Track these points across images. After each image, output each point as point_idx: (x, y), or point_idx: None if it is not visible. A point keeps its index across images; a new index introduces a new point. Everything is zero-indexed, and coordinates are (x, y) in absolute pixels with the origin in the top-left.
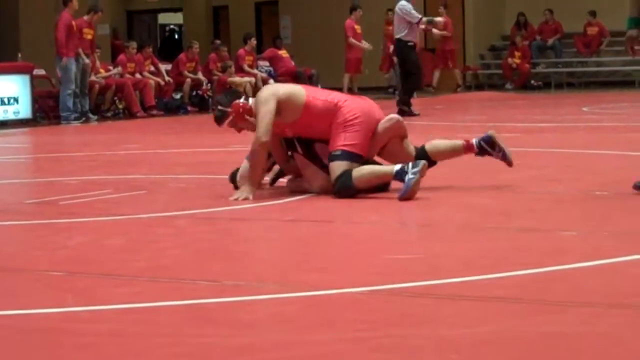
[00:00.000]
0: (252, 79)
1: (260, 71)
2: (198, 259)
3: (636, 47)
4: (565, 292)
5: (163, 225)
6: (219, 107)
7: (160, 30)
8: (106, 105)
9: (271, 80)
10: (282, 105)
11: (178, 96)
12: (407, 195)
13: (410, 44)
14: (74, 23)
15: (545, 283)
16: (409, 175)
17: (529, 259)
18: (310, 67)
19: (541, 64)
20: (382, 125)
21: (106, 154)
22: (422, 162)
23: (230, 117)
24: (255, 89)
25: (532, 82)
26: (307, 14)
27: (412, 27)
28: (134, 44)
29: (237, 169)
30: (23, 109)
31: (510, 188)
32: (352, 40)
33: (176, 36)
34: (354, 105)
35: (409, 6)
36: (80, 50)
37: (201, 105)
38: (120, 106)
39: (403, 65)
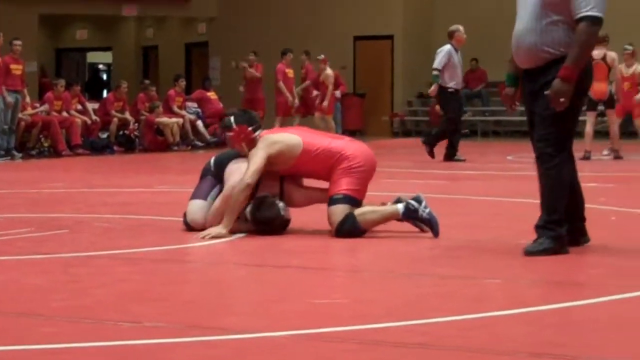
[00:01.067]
0: (180, 120)
1: (188, 112)
2: (120, 300)
3: (515, 105)
4: (486, 339)
5: (84, 265)
6: (230, 119)
7: (89, 68)
8: (32, 142)
9: (199, 121)
10: (273, 158)
11: (105, 135)
12: (438, 229)
13: (450, 89)
14: (0, 60)
15: (467, 330)
16: (426, 211)
17: (451, 305)
18: (239, 109)
19: (468, 112)
20: None
21: (30, 192)
22: (421, 195)
23: (231, 134)
24: (183, 130)
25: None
26: (237, 55)
27: (451, 72)
28: (62, 82)
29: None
30: None
31: (433, 235)
32: (280, 84)
33: (104, 75)
34: (358, 154)
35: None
36: (4, 90)
37: (128, 145)
38: (46, 144)
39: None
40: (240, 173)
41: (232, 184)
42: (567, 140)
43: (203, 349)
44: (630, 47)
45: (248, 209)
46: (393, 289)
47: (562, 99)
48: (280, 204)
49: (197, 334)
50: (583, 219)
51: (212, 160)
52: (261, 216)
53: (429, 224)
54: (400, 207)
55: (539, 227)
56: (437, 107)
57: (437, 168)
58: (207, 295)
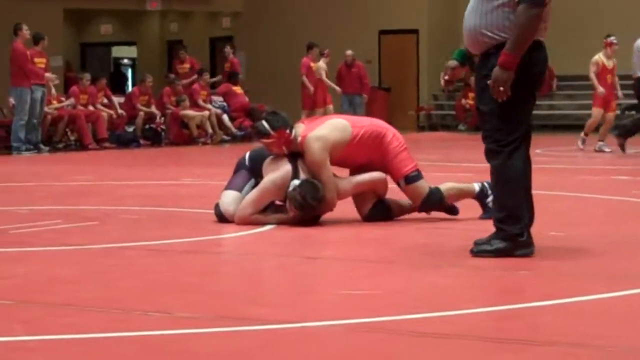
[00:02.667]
0: (206, 113)
1: (213, 106)
2: (149, 291)
3: (449, 82)
4: (523, 330)
5: (113, 256)
6: (265, 125)
7: (113, 63)
8: (58, 136)
9: (224, 115)
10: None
11: (131, 129)
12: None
13: None
14: (28, 53)
15: (502, 321)
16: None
17: (486, 296)
18: (264, 103)
19: None
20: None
21: (57, 185)
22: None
23: (271, 140)
24: (210, 124)
25: None
26: (262, 50)
27: None
28: (87, 76)
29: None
30: None
31: (467, 226)
32: (304, 78)
33: (129, 70)
34: (393, 131)
35: None
36: (49, 82)
37: (154, 138)
38: (72, 138)
39: None
40: (276, 171)
41: (271, 177)
42: (512, 134)
43: (233, 340)
44: (613, 38)
45: (292, 189)
46: (426, 279)
47: (501, 88)
48: (320, 185)
49: (228, 325)
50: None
51: (247, 155)
52: (311, 196)
53: (488, 212)
54: (476, 186)
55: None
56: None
57: (465, 161)
58: (238, 286)
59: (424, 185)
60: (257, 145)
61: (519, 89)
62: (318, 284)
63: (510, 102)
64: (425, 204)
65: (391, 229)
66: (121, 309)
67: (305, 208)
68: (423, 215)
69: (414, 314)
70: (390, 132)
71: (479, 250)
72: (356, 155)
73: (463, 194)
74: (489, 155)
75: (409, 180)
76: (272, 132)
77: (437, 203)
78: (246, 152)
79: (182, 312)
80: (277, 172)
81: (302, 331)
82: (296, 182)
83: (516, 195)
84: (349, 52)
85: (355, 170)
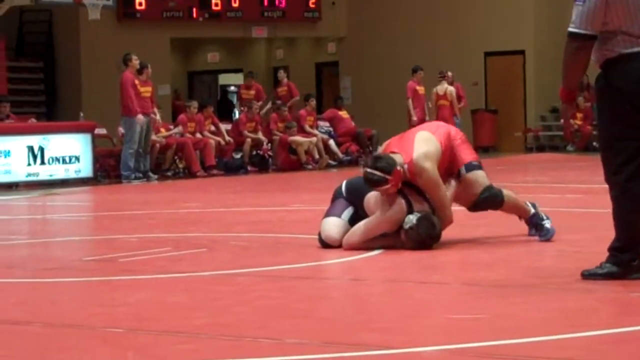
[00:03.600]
0: (314, 139)
1: (320, 131)
2: (260, 317)
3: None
4: (639, 353)
5: (224, 283)
6: (379, 173)
7: (220, 90)
8: (166, 164)
9: (331, 140)
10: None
11: (238, 156)
12: (549, 238)
13: None
14: (137, 82)
15: (616, 344)
16: (548, 223)
17: (597, 319)
18: (371, 127)
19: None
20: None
21: (166, 212)
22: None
23: (390, 185)
24: (317, 149)
25: (594, 143)
26: (367, 74)
27: None
28: (195, 104)
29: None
30: (84, 168)
31: (574, 249)
32: (408, 102)
33: (234, 97)
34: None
35: None
36: (154, 112)
37: (261, 164)
38: (181, 165)
39: None
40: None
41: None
42: (617, 160)
43: None
44: None
45: (409, 226)
46: (535, 303)
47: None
48: (435, 219)
49: (338, 351)
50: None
51: (343, 185)
52: (426, 233)
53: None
54: (532, 208)
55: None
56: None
57: (574, 182)
58: (347, 311)
59: (485, 176)
60: (352, 175)
61: (604, 111)
62: (427, 309)
63: (602, 130)
64: (485, 195)
65: (499, 252)
66: (233, 335)
67: (423, 244)
68: (533, 238)
69: (525, 337)
70: (452, 128)
71: (589, 274)
72: (444, 160)
73: (517, 209)
74: (607, 184)
75: (471, 167)
76: (389, 177)
77: (497, 198)
78: (342, 182)
79: (292, 338)
80: (393, 209)
81: (411, 356)
82: (412, 217)
83: (633, 227)
84: (449, 73)
85: None
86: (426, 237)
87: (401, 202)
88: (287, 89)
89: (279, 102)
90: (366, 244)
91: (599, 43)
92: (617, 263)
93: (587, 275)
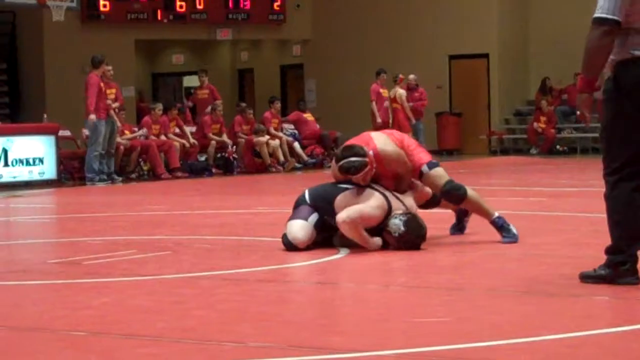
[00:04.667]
0: (277, 142)
1: (285, 134)
2: (223, 320)
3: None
4: (599, 357)
5: (188, 286)
6: (357, 158)
7: (185, 92)
8: (131, 166)
9: (296, 143)
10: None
11: (203, 158)
12: (513, 241)
13: None
14: (102, 84)
15: (577, 348)
16: (513, 230)
17: (559, 323)
18: (335, 130)
19: (567, 128)
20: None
21: (131, 215)
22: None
23: (369, 168)
24: (282, 152)
25: (558, 147)
26: (332, 77)
27: None
28: (159, 106)
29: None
30: (48, 170)
31: (537, 252)
32: (373, 105)
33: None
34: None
35: None
36: (112, 112)
37: (226, 167)
38: (145, 168)
39: None
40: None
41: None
42: (615, 161)
43: None
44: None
45: (398, 234)
46: (498, 307)
47: (584, 111)
48: (420, 218)
49: (301, 354)
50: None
51: (306, 193)
52: (416, 235)
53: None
54: (495, 213)
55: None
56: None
57: (537, 185)
58: (311, 314)
59: (445, 173)
60: (317, 176)
61: (609, 111)
62: (391, 312)
63: (607, 126)
64: (447, 188)
65: (465, 255)
66: (196, 339)
67: (409, 244)
68: (501, 244)
69: (488, 341)
70: (404, 136)
71: (584, 276)
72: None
73: (479, 209)
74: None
75: (432, 165)
76: (367, 159)
77: (459, 190)
78: (304, 190)
79: (256, 341)
80: (375, 197)
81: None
82: (398, 223)
83: (620, 227)
84: (412, 76)
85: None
86: (416, 239)
87: (375, 193)
88: (209, 92)
89: (243, 104)
90: (362, 236)
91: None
92: (607, 265)
93: (582, 278)
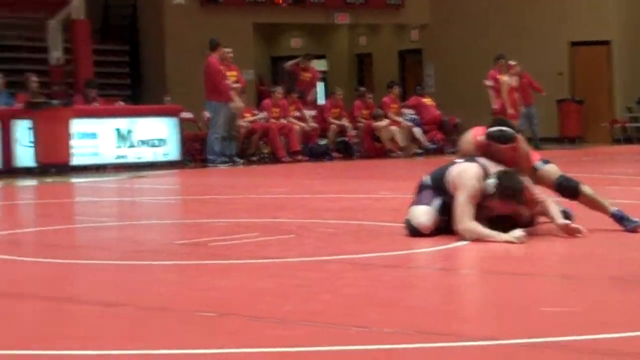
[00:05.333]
0: (397, 127)
1: (405, 119)
2: (348, 305)
3: None
4: None
5: (313, 270)
6: (509, 129)
7: None
8: (252, 149)
9: (416, 128)
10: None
11: (323, 142)
12: (636, 226)
13: None
14: (222, 67)
15: None
16: (634, 218)
17: None
18: (455, 115)
19: None
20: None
21: (252, 197)
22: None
23: (515, 144)
24: (402, 137)
25: None
26: (451, 62)
27: None
28: (280, 89)
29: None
30: (172, 151)
31: None
32: (489, 91)
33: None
34: None
35: None
36: (233, 94)
37: (346, 151)
38: (266, 151)
39: None
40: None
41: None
42: None
43: (432, 356)
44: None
45: (492, 189)
46: (626, 296)
47: None
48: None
49: (425, 340)
50: None
51: (427, 177)
52: (510, 186)
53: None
54: (614, 209)
55: None
56: None
57: None
58: (435, 300)
59: (559, 169)
60: (438, 163)
61: None
62: (518, 300)
63: None
64: (560, 180)
65: (590, 245)
66: (321, 322)
67: (514, 196)
68: (623, 234)
69: (620, 332)
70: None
71: None
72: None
73: (595, 205)
74: None
75: (545, 162)
76: (516, 135)
77: (571, 183)
78: (425, 176)
79: (381, 327)
80: (469, 175)
81: (503, 348)
82: (490, 182)
83: None
84: (512, 62)
85: None
86: (513, 187)
87: (473, 165)
88: (311, 76)
89: (362, 89)
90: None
91: None
92: None
93: None
